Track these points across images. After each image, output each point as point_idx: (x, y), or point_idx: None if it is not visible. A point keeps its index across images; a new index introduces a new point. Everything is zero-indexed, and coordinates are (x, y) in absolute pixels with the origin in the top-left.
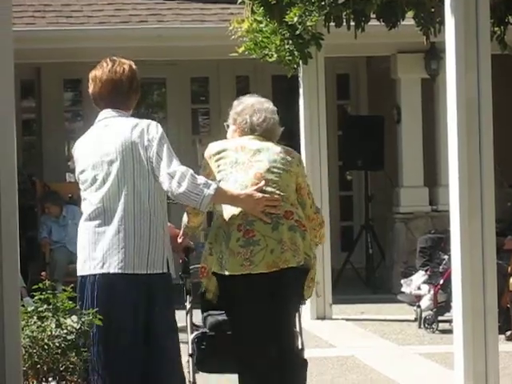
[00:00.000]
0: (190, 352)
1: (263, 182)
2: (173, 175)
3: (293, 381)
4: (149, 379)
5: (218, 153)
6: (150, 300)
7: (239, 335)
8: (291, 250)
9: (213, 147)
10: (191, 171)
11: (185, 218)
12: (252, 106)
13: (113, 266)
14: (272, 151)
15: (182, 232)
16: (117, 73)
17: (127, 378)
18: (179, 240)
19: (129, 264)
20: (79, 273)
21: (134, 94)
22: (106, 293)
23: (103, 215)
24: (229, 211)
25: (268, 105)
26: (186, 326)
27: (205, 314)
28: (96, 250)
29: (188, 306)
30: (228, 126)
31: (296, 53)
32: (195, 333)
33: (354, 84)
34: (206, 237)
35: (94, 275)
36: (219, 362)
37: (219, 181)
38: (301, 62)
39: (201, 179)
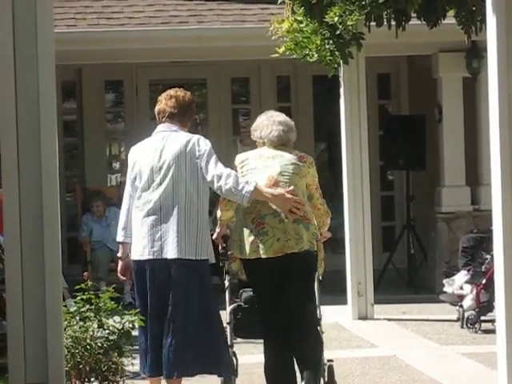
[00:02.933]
0: (228, 321)
1: (292, 187)
2: (220, 176)
3: (306, 340)
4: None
5: (242, 161)
6: (200, 280)
7: (260, 305)
8: (294, 238)
9: (239, 158)
10: (234, 172)
11: (218, 213)
12: (261, 122)
13: (170, 253)
14: (284, 158)
15: (218, 224)
16: (180, 98)
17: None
18: (217, 230)
19: (182, 251)
20: (137, 258)
21: (191, 115)
22: (164, 274)
23: (159, 211)
24: (246, 208)
25: (279, 118)
26: (225, 300)
27: (240, 290)
28: (155, 240)
29: (227, 283)
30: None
31: (337, 53)
32: (233, 305)
33: (395, 83)
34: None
35: (154, 260)
36: (251, 329)
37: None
38: (341, 62)
39: (243, 179)
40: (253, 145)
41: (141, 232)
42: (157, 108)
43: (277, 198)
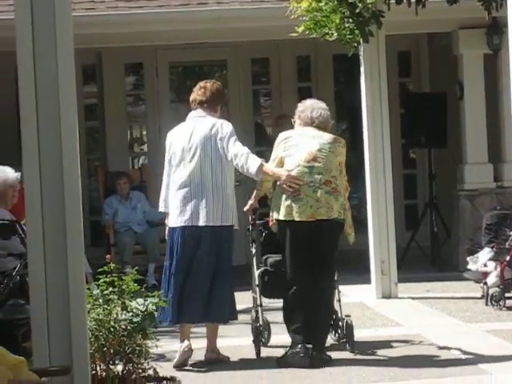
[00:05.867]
0: (257, 283)
1: (294, 171)
2: (236, 155)
3: (321, 296)
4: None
5: (286, 138)
6: (222, 243)
7: (289, 261)
8: (325, 207)
9: (283, 134)
10: (247, 151)
11: (258, 185)
12: (311, 105)
13: (200, 221)
14: (323, 138)
15: (254, 195)
16: (208, 87)
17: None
18: (250, 202)
19: (209, 219)
20: (171, 225)
21: (218, 102)
22: (194, 239)
23: (189, 185)
24: None
25: (322, 105)
26: (252, 265)
27: (264, 256)
28: (186, 210)
29: (253, 250)
30: (295, 122)
31: (356, 31)
32: (260, 269)
33: (416, 61)
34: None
35: (184, 227)
36: (276, 290)
37: (285, 156)
38: (361, 41)
39: (254, 157)
40: (273, 125)
41: (174, 203)
42: (190, 98)
43: (275, 175)
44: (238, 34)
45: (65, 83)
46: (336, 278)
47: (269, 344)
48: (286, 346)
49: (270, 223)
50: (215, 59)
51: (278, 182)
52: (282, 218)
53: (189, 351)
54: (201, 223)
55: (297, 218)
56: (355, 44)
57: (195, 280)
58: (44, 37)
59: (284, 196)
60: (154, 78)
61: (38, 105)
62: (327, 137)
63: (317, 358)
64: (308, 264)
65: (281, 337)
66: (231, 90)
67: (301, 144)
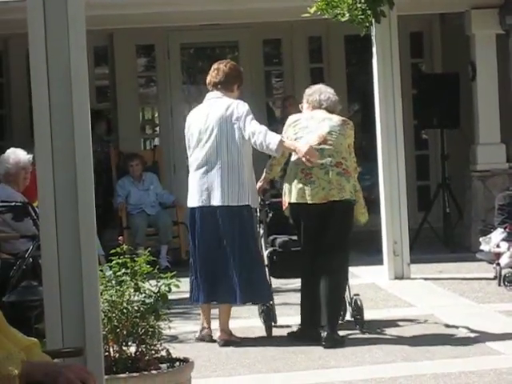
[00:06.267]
0: (266, 263)
1: (314, 144)
2: (254, 133)
3: (334, 277)
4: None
5: (295, 121)
6: (240, 223)
7: (302, 245)
8: (337, 188)
9: (292, 118)
10: (265, 129)
11: (267, 168)
12: (319, 89)
13: (215, 200)
14: (333, 120)
15: (263, 177)
16: (221, 68)
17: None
18: (259, 184)
19: (225, 199)
20: (190, 205)
21: (234, 82)
22: (210, 218)
23: (206, 166)
24: (297, 161)
25: (330, 90)
26: (261, 245)
27: (271, 237)
28: (202, 190)
29: (261, 231)
30: (302, 107)
31: (368, 11)
32: (269, 250)
33: (428, 42)
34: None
35: (201, 207)
36: (285, 270)
37: (295, 139)
38: (373, 21)
39: (272, 134)
40: (281, 107)
41: (192, 183)
42: (207, 80)
43: (297, 148)
44: (249, 15)
45: (77, 65)
46: (348, 254)
47: (280, 325)
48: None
49: (284, 207)
50: (227, 40)
51: (290, 166)
52: (294, 200)
53: (208, 337)
54: (216, 203)
55: (309, 201)
56: (367, 24)
57: (222, 260)
58: (56, 19)
59: (296, 179)
60: (166, 60)
61: (50, 87)
62: (336, 119)
63: (329, 339)
64: (322, 245)
65: (293, 318)
66: (243, 71)
67: (310, 127)
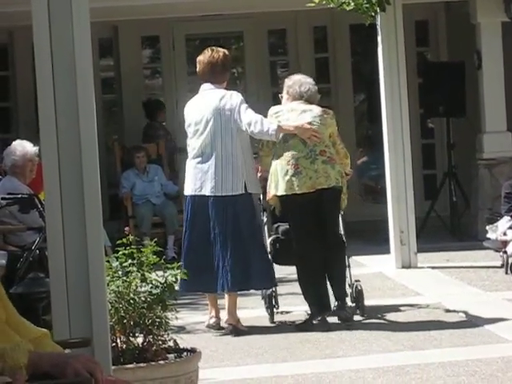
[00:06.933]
0: (269, 250)
1: (316, 126)
2: (250, 122)
3: (336, 256)
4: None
5: (276, 112)
6: (234, 212)
7: (296, 233)
8: (324, 176)
9: (273, 109)
10: (261, 117)
11: (256, 161)
12: (299, 80)
13: (207, 190)
14: (313, 111)
15: (259, 168)
16: (214, 58)
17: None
18: (259, 174)
19: (218, 188)
20: (186, 193)
21: (226, 73)
22: (204, 208)
23: (201, 156)
24: (282, 152)
25: (310, 80)
26: (263, 232)
27: (275, 225)
28: (196, 179)
29: (265, 219)
30: (282, 97)
31: (373, 0)
32: (271, 237)
33: (433, 30)
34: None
35: (194, 196)
36: (288, 257)
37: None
38: (378, 10)
39: (268, 121)
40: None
41: (188, 171)
42: (197, 70)
43: (298, 128)
44: (254, 5)
45: (81, 57)
46: (345, 240)
47: (286, 313)
48: (302, 315)
49: (267, 198)
50: (232, 31)
51: (274, 159)
52: (283, 192)
53: (216, 325)
54: (208, 193)
55: (298, 191)
56: (372, 13)
57: (211, 249)
58: (60, 11)
59: (283, 171)
60: (171, 51)
61: (55, 79)
62: (317, 110)
63: (341, 308)
64: (314, 231)
65: (299, 308)
66: (248, 61)
67: (292, 118)
